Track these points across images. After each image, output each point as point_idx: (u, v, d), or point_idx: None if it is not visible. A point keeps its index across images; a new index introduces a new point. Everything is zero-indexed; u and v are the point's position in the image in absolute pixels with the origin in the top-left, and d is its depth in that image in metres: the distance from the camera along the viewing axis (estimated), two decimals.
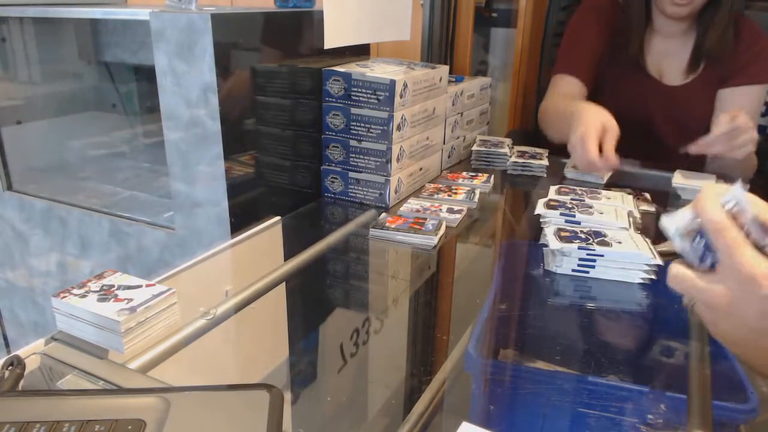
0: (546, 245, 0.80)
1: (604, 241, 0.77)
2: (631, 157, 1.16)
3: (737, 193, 0.45)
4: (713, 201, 0.45)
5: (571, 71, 1.28)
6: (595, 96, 1.29)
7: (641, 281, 0.75)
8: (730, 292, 0.43)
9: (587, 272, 0.77)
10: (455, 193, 1.01)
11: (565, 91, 1.28)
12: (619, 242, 0.77)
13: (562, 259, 0.77)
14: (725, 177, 1.11)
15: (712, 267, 0.46)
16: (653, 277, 0.75)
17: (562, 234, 0.79)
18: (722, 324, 0.46)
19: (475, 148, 1.23)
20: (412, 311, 0.76)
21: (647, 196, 1.04)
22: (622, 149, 1.07)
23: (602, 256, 0.76)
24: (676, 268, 0.48)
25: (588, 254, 0.76)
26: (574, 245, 0.76)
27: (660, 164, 1.21)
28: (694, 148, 1.03)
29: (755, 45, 1.21)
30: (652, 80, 1.28)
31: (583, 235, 0.79)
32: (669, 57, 1.27)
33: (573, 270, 0.77)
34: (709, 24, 1.19)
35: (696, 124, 1.18)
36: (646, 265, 0.75)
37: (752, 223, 0.44)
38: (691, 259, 0.48)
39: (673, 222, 0.49)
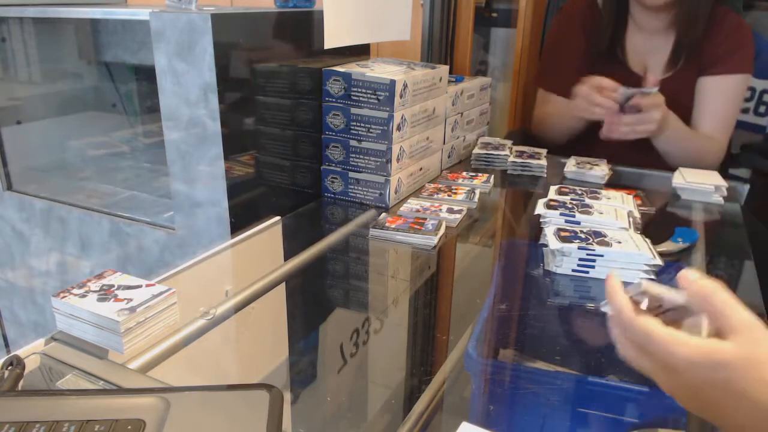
0: (546, 245, 0.80)
1: (604, 241, 0.77)
2: (622, 149, 1.16)
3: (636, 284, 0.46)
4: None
5: (556, 89, 1.33)
6: None
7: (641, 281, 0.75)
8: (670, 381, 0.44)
9: (587, 272, 0.77)
10: (455, 193, 1.01)
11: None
12: (619, 242, 0.77)
13: (562, 259, 0.77)
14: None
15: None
16: (653, 277, 0.75)
17: (562, 234, 0.79)
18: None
19: (475, 150, 1.23)
20: (412, 311, 0.76)
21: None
22: (612, 143, 1.10)
23: (602, 256, 0.76)
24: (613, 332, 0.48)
25: (588, 254, 0.76)
26: (574, 245, 0.76)
27: (657, 163, 1.20)
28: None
29: (735, 35, 1.20)
30: (635, 77, 1.28)
31: (583, 235, 0.79)
32: (653, 54, 1.27)
33: (573, 270, 0.77)
34: (689, 11, 1.19)
35: (681, 116, 1.18)
36: (646, 265, 0.75)
37: (663, 294, 0.45)
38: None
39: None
